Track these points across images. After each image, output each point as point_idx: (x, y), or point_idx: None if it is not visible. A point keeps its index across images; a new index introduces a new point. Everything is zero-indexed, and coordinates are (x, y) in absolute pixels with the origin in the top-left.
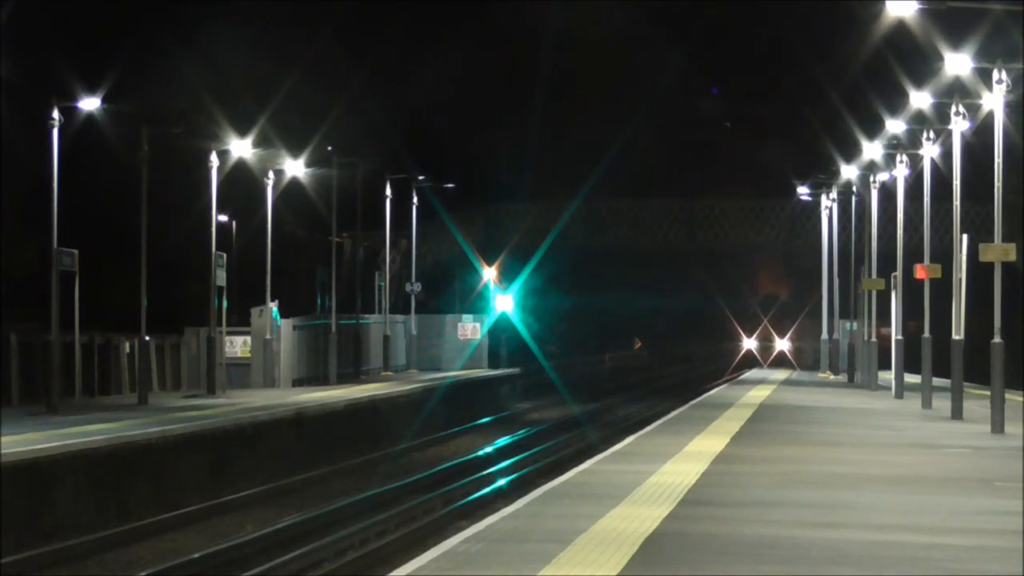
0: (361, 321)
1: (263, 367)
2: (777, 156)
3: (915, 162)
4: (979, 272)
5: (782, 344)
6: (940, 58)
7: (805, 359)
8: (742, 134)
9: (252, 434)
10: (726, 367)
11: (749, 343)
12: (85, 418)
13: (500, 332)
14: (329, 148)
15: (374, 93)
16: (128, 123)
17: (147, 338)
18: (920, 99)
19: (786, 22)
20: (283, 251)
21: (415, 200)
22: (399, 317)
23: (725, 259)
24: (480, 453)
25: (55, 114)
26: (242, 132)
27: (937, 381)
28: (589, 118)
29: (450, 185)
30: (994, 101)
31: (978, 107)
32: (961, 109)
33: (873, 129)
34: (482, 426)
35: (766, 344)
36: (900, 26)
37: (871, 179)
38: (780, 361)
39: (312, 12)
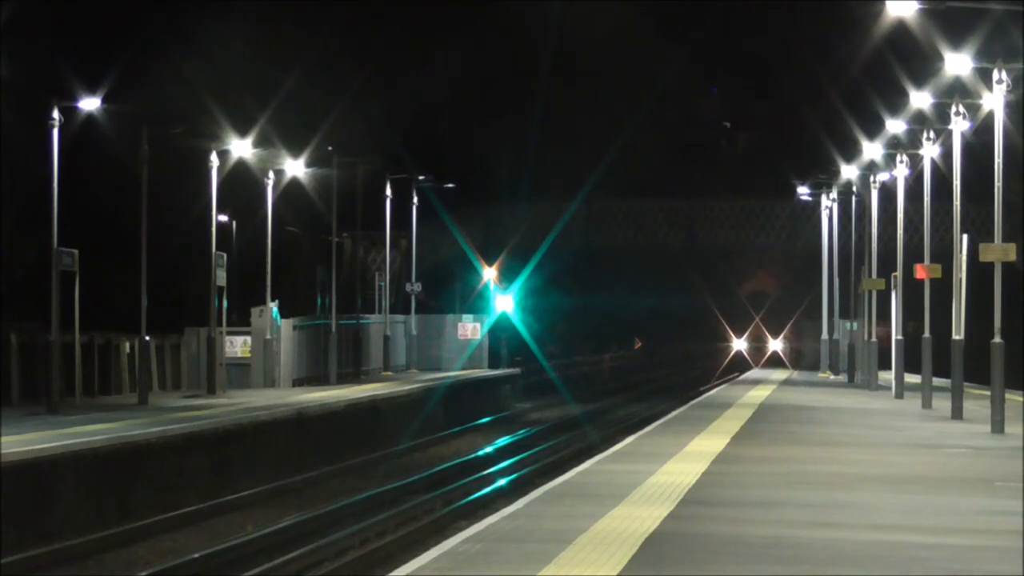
0: (361, 321)
1: (263, 367)
2: (777, 156)
3: (915, 162)
4: (979, 272)
5: (775, 344)
6: (940, 58)
7: (803, 360)
8: (742, 134)
9: (252, 434)
10: (715, 369)
11: (739, 344)
12: (85, 418)
13: (500, 332)
14: (329, 148)
15: (374, 93)
16: (128, 123)
17: (147, 338)
18: (920, 99)
19: (786, 22)
20: (283, 251)
21: (415, 200)
22: (399, 317)
23: (725, 259)
24: (480, 453)
25: (55, 114)
26: (242, 132)
27: (937, 381)
28: (589, 118)
29: (450, 185)
30: (994, 101)
31: (978, 107)
32: (961, 109)
33: (873, 129)
34: (482, 426)
35: (758, 344)
36: (900, 26)
37: (871, 179)
38: (774, 363)
39: (312, 12)
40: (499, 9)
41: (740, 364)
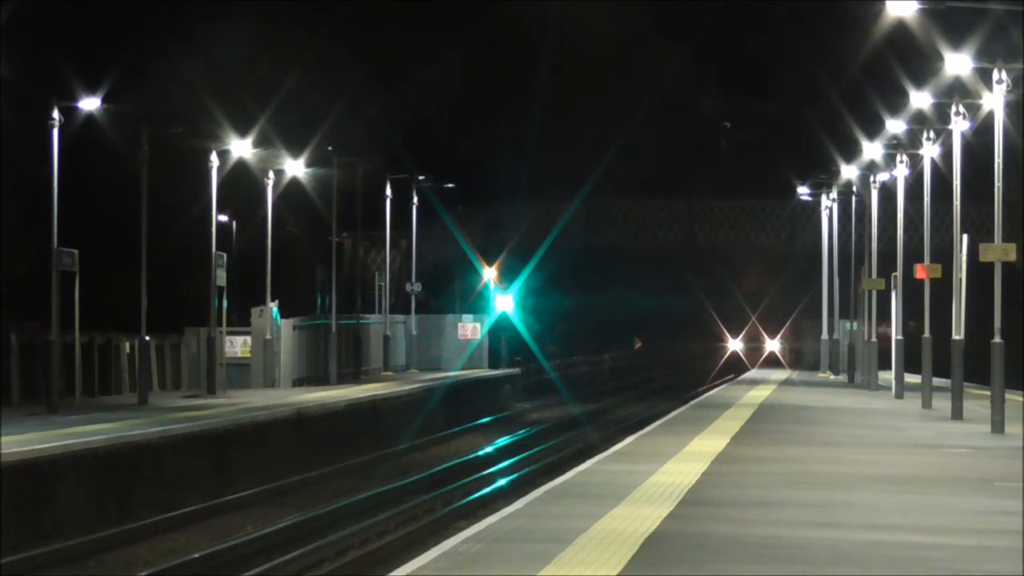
0: (361, 321)
1: (263, 367)
2: (777, 156)
3: (915, 162)
4: (979, 272)
5: (772, 344)
6: (940, 58)
7: (802, 360)
8: (742, 134)
9: (252, 434)
10: (711, 370)
11: (734, 344)
12: (85, 418)
13: (500, 332)
14: (329, 148)
15: (374, 93)
16: (128, 123)
17: (147, 338)
18: (920, 99)
19: (786, 22)
20: (283, 251)
21: (415, 200)
22: (399, 317)
23: (724, 259)
24: (480, 453)
25: (55, 114)
26: (242, 132)
27: (937, 381)
28: (589, 118)
29: (450, 185)
30: (994, 101)
31: (978, 107)
32: (961, 109)
33: (873, 129)
34: (482, 426)
35: (754, 345)
36: (900, 26)
37: (871, 179)
38: (771, 363)
39: (312, 12)
40: (499, 9)
41: (736, 365)
